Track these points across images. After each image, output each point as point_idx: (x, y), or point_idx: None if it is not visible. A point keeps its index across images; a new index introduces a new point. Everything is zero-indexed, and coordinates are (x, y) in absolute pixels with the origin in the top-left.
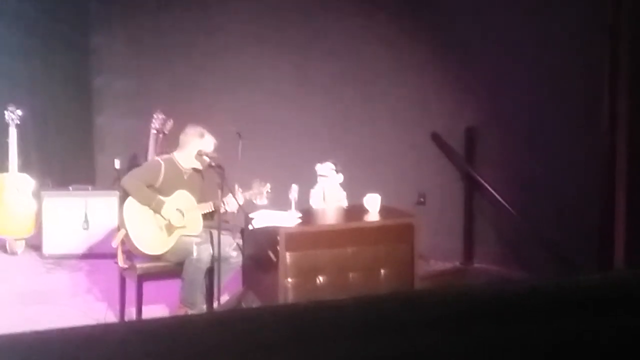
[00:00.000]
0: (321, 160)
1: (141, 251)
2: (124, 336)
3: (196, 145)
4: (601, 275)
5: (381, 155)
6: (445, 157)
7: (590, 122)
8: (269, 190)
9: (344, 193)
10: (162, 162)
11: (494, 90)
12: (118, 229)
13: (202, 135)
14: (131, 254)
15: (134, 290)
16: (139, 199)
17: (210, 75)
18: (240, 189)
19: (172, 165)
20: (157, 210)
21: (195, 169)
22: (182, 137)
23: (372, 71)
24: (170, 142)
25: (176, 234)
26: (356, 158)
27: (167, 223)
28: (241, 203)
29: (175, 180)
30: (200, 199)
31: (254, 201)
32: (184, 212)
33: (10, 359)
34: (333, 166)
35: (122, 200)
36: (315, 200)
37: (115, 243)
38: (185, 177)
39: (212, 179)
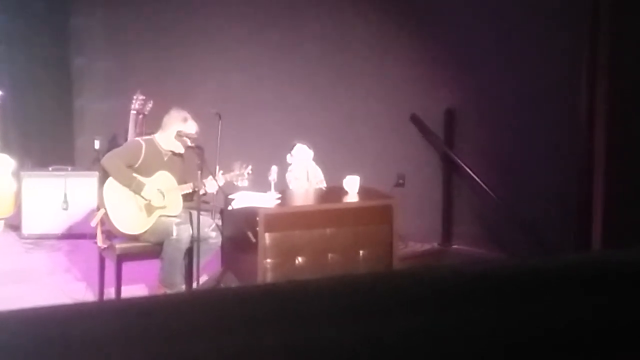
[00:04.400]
0: (292, 143)
1: (120, 231)
2: (102, 315)
3: (178, 129)
4: (579, 256)
5: (360, 137)
6: (424, 138)
7: (569, 104)
8: (250, 172)
9: (319, 169)
10: (143, 143)
11: (473, 72)
12: (97, 208)
13: (185, 120)
14: (110, 233)
15: (113, 270)
16: (119, 179)
17: (191, 57)
18: (221, 171)
19: (153, 146)
20: (137, 191)
21: (175, 152)
22: (165, 119)
23: (351, 53)
24: (149, 123)
25: (156, 214)
26: (335, 140)
27: (147, 203)
28: (221, 184)
29: (155, 161)
30: (181, 181)
31: (235, 183)
32: (164, 192)
33: None
34: (305, 146)
35: (102, 180)
36: (296, 181)
37: (94, 222)
38: (166, 158)
39: (192, 160)
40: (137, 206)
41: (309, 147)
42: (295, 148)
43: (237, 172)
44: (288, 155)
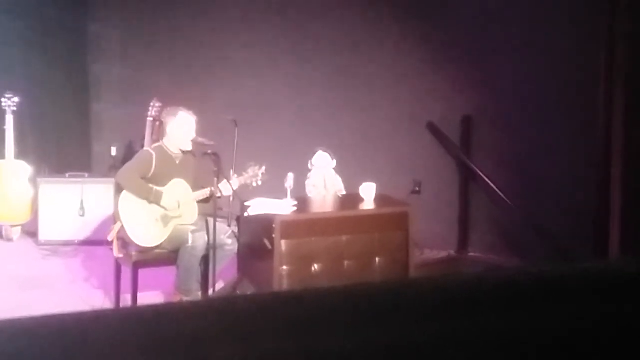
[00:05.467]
0: (314, 150)
1: (138, 245)
2: (119, 323)
3: (173, 126)
4: (597, 262)
5: (377, 144)
6: (441, 146)
7: (587, 110)
8: (264, 172)
9: (339, 178)
10: (153, 152)
11: (490, 79)
12: (114, 221)
13: (174, 115)
14: (126, 242)
15: (129, 277)
16: (136, 192)
17: (207, 64)
18: (235, 174)
19: (163, 152)
20: (156, 201)
21: (185, 152)
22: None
23: (368, 60)
24: None
25: (172, 224)
26: (352, 147)
27: (163, 214)
28: (236, 188)
29: (167, 167)
30: (195, 184)
31: (252, 184)
32: (181, 201)
33: (4, 344)
34: (327, 154)
35: (117, 192)
36: (314, 189)
37: (112, 237)
38: (177, 162)
39: (208, 165)
40: (154, 218)
41: (331, 156)
42: (315, 155)
43: (251, 173)
44: (309, 163)
